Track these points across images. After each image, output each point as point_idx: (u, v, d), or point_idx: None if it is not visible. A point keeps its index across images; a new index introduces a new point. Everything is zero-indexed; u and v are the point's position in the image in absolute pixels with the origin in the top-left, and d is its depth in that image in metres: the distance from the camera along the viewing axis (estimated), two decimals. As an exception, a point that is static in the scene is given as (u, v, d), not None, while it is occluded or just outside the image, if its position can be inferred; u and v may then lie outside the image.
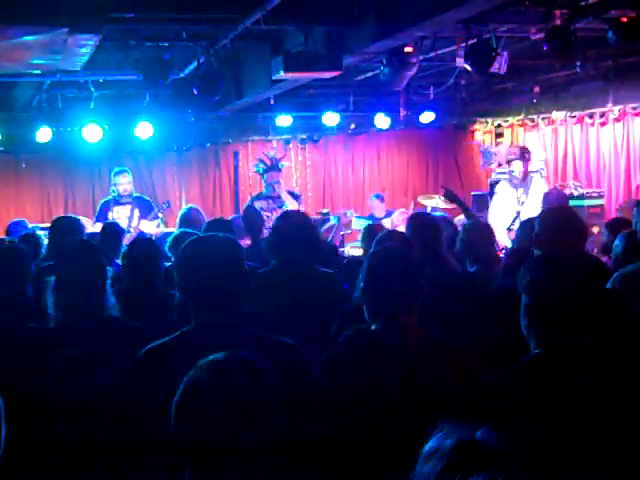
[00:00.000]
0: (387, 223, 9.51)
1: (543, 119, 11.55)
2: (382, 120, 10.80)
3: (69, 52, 6.06)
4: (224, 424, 1.59)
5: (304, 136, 12.02)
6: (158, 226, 8.57)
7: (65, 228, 5.44)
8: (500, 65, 6.39)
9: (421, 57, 6.79)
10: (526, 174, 8.44)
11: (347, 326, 3.02)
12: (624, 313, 3.28)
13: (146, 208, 8.68)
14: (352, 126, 11.93)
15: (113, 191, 8.83)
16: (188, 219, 6.19)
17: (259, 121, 11.17)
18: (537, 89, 10.34)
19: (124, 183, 8.70)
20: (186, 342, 2.42)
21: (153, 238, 6.97)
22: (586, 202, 9.63)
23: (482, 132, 12.48)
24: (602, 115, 10.99)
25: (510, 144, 11.62)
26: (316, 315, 3.67)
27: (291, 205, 8.53)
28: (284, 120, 10.57)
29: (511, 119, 11.99)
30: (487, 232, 5.05)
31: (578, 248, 3.89)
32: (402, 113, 10.60)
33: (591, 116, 11.14)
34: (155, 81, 7.42)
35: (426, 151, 12.71)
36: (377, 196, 10.50)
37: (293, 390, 1.71)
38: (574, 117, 11.32)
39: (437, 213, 8.67)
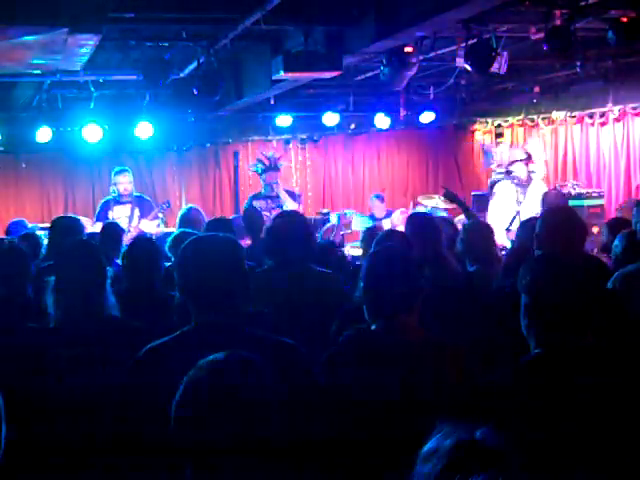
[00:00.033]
0: (387, 223, 9.52)
1: (543, 119, 11.55)
2: (382, 120, 10.80)
3: (69, 52, 6.06)
4: (224, 424, 1.59)
5: (304, 136, 12.02)
6: (158, 226, 8.57)
7: (65, 228, 5.44)
8: (500, 65, 6.38)
9: (421, 57, 6.79)
10: (529, 177, 8.47)
11: (347, 326, 3.02)
12: (624, 313, 3.28)
13: (146, 208, 8.68)
14: (352, 126, 11.93)
15: (113, 191, 8.82)
16: (188, 219, 6.19)
17: (259, 121, 11.17)
18: (537, 89, 10.34)
19: (125, 182, 8.70)
20: (186, 342, 2.42)
21: (153, 238, 6.97)
22: (586, 202, 9.63)
23: (482, 132, 12.47)
24: (602, 115, 10.99)
25: (510, 144, 11.62)
26: (312, 315, 3.67)
27: (290, 205, 8.53)
28: (284, 120, 10.57)
29: (511, 119, 11.99)
30: (487, 232, 5.05)
31: (578, 248, 3.89)
32: (402, 113, 10.60)
33: (591, 116, 11.14)
34: (155, 81, 7.43)
35: (426, 151, 12.71)
36: (377, 196, 10.50)
37: (293, 390, 1.71)
38: (574, 117, 11.32)
39: (438, 213, 8.68)
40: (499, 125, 12.17)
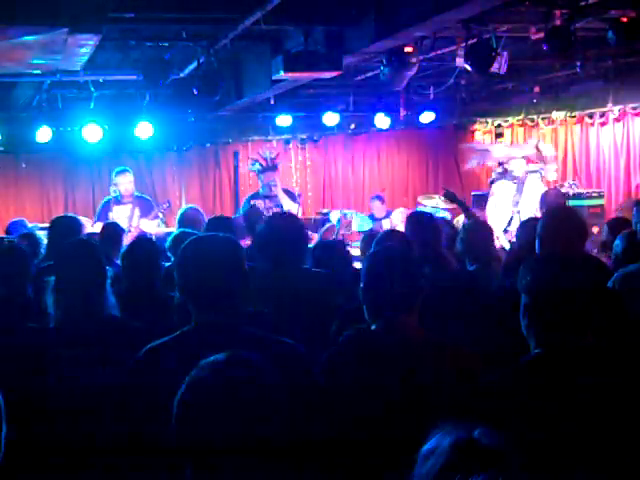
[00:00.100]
0: (387, 223, 9.52)
1: (543, 119, 11.56)
2: (382, 120, 10.80)
3: (69, 52, 6.06)
4: (225, 424, 1.59)
5: (304, 136, 12.02)
6: (158, 226, 8.57)
7: (64, 228, 5.43)
8: (500, 65, 6.38)
9: (421, 57, 6.79)
10: (525, 175, 8.48)
11: (347, 326, 3.02)
12: (624, 313, 3.28)
13: (146, 208, 8.68)
14: (352, 126, 11.93)
15: (114, 191, 8.82)
16: (187, 219, 6.18)
17: (259, 121, 11.17)
18: (537, 89, 10.34)
19: (125, 183, 8.69)
20: (186, 342, 2.42)
21: (153, 238, 6.97)
22: (586, 202, 9.64)
23: (482, 132, 12.48)
24: (602, 115, 11.00)
25: (510, 143, 11.63)
26: (305, 315, 3.66)
27: (288, 205, 8.53)
28: (284, 120, 10.57)
29: (511, 119, 12.00)
30: (487, 232, 5.05)
31: (578, 248, 3.89)
32: (402, 113, 10.60)
33: (591, 116, 11.15)
34: (155, 81, 7.43)
35: (426, 151, 12.71)
36: (378, 197, 10.50)
37: (293, 390, 1.71)
38: (574, 117, 11.33)
39: (438, 213, 8.68)
40: (499, 125, 12.17)
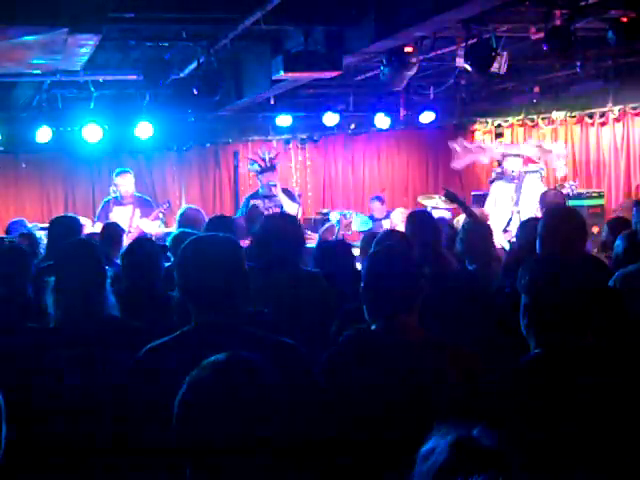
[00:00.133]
0: (387, 224, 9.52)
1: (543, 119, 11.55)
2: (382, 120, 10.80)
3: (69, 52, 6.06)
4: (225, 424, 1.59)
5: (304, 136, 12.02)
6: (159, 226, 8.56)
7: (63, 228, 5.42)
8: (500, 65, 6.38)
9: (421, 57, 6.79)
10: (521, 173, 8.49)
11: (347, 326, 3.02)
12: (624, 313, 3.28)
13: (147, 208, 8.67)
14: (352, 126, 11.93)
15: (114, 191, 8.81)
16: (187, 219, 6.18)
17: (259, 121, 11.17)
18: (537, 89, 10.34)
19: (126, 184, 8.68)
20: (186, 342, 2.42)
21: (153, 239, 6.97)
22: (586, 202, 9.64)
23: (482, 132, 12.47)
24: (602, 115, 11.00)
25: (510, 143, 11.63)
26: (304, 315, 3.65)
27: (288, 205, 8.53)
28: (284, 120, 10.58)
29: (511, 119, 11.99)
30: (486, 232, 5.05)
31: (578, 248, 3.90)
32: (402, 113, 10.60)
33: (591, 116, 11.14)
34: (155, 81, 7.43)
35: (426, 151, 12.71)
36: (377, 198, 10.50)
37: (293, 390, 1.71)
38: (574, 117, 11.33)
39: (438, 213, 8.68)
40: (499, 125, 12.17)
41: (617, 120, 10.88)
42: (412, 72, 6.73)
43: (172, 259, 4.73)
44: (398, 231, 5.25)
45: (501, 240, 7.64)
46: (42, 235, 6.24)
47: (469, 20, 5.94)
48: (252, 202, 8.55)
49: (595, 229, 8.18)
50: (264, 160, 9.04)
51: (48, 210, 10.88)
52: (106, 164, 10.76)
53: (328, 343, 3.18)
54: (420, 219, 4.90)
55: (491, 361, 2.74)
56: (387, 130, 11.43)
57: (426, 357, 2.68)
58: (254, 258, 4.13)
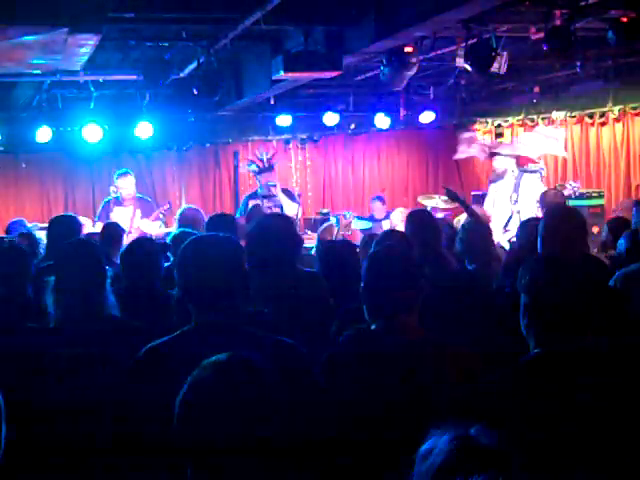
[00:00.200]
0: (387, 224, 9.52)
1: (543, 119, 11.55)
2: (382, 120, 10.80)
3: (69, 52, 6.06)
4: (226, 424, 1.59)
5: (304, 136, 12.02)
6: (159, 227, 8.56)
7: (63, 227, 5.42)
8: (500, 65, 6.38)
9: (421, 57, 6.79)
10: (505, 171, 8.52)
11: (347, 326, 3.02)
12: (625, 313, 3.28)
13: (147, 209, 8.67)
14: (352, 126, 11.93)
15: (114, 192, 8.81)
16: (187, 219, 6.18)
17: (259, 121, 11.17)
18: (537, 89, 10.34)
19: (127, 186, 8.67)
20: (186, 342, 2.42)
21: (154, 239, 6.96)
22: (586, 202, 9.64)
23: (482, 132, 12.47)
24: (602, 115, 11.00)
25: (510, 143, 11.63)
26: (304, 315, 3.64)
27: (288, 205, 8.53)
28: (284, 120, 10.57)
29: (511, 119, 11.99)
30: (486, 231, 5.05)
31: (579, 247, 3.89)
32: (402, 113, 10.60)
33: (591, 116, 11.15)
34: (155, 81, 7.44)
35: (426, 151, 12.71)
36: (378, 198, 10.51)
37: (293, 390, 1.71)
38: (574, 117, 11.33)
39: (438, 213, 8.68)
40: (499, 125, 12.17)
41: (617, 120, 10.88)
42: (412, 72, 6.73)
43: (172, 259, 4.74)
44: (398, 231, 5.26)
45: (501, 240, 7.64)
46: (42, 235, 6.23)
47: (469, 20, 5.94)
48: (251, 202, 8.56)
49: (595, 229, 8.18)
50: (262, 160, 9.04)
51: (48, 210, 10.88)
52: (106, 164, 10.76)
53: (328, 343, 3.18)
54: (420, 219, 4.89)
55: (491, 361, 2.74)
56: (387, 130, 11.43)
57: (426, 357, 2.68)
58: (247, 257, 4.11)
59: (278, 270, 3.88)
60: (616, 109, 10.76)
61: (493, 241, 5.21)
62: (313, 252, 7.11)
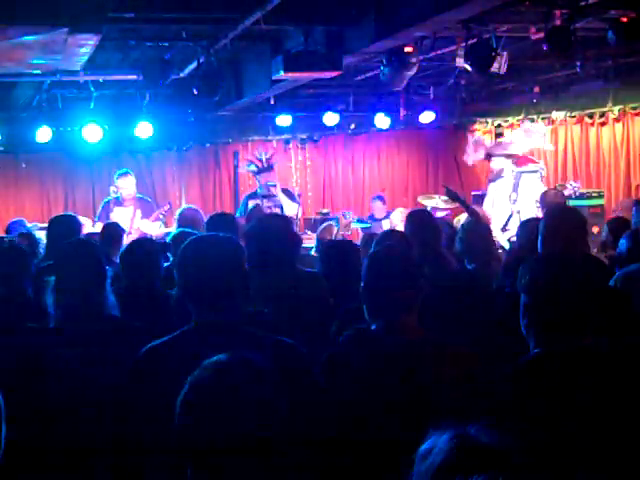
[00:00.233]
0: (386, 224, 9.52)
1: (543, 119, 11.55)
2: (382, 120, 10.80)
3: (69, 52, 6.06)
4: (227, 424, 1.59)
5: (304, 136, 12.02)
6: (159, 228, 8.56)
7: (62, 227, 5.41)
8: (500, 65, 6.38)
9: (421, 57, 6.79)
10: (501, 171, 8.53)
11: (347, 326, 3.02)
12: (626, 312, 3.28)
13: (148, 209, 8.67)
14: (352, 126, 11.93)
15: (114, 192, 8.81)
16: (185, 219, 6.18)
17: (259, 121, 11.17)
18: (537, 89, 10.34)
19: (127, 186, 8.68)
20: (186, 342, 2.42)
21: (154, 239, 6.96)
22: (586, 202, 9.64)
23: (482, 132, 12.47)
24: (602, 115, 11.00)
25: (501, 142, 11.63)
26: (303, 315, 3.64)
27: (288, 205, 8.53)
28: (284, 120, 10.57)
29: (511, 119, 11.99)
30: (486, 231, 5.04)
31: (580, 247, 3.89)
32: (402, 113, 10.60)
33: (591, 116, 11.15)
34: (155, 81, 7.44)
35: (426, 151, 12.71)
36: (379, 197, 10.52)
37: (293, 390, 1.71)
38: (574, 117, 11.33)
39: (438, 213, 8.68)
40: (499, 125, 12.17)
41: (617, 120, 10.88)
42: (412, 72, 6.73)
43: (171, 259, 4.73)
44: (398, 231, 5.25)
45: (500, 239, 7.64)
46: (42, 235, 6.23)
47: (469, 20, 5.94)
48: (250, 202, 8.56)
49: (595, 229, 8.18)
50: (261, 160, 9.04)
51: (48, 210, 10.87)
52: (106, 164, 10.77)
53: (328, 343, 3.18)
54: (420, 219, 4.89)
55: (491, 361, 2.74)
56: (387, 130, 11.43)
57: (426, 357, 2.68)
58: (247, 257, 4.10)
59: (277, 270, 3.88)
60: (616, 109, 10.77)
61: (494, 241, 5.21)
62: (313, 252, 7.12)
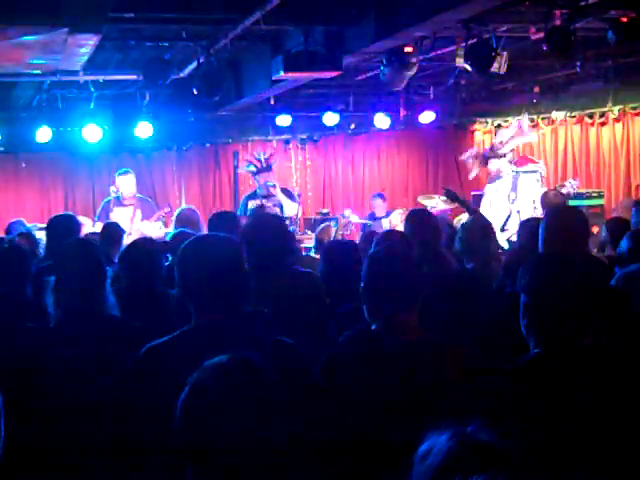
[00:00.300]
0: (386, 223, 9.53)
1: (543, 119, 11.56)
2: (382, 120, 10.80)
3: (69, 52, 6.06)
4: (227, 425, 1.59)
5: (304, 136, 12.02)
6: (160, 228, 8.56)
7: (62, 227, 5.40)
8: (500, 65, 6.38)
9: (421, 57, 6.79)
10: (498, 172, 8.55)
11: (347, 326, 3.02)
12: (627, 312, 3.28)
13: (148, 210, 8.67)
14: (352, 126, 11.93)
15: (114, 191, 8.81)
16: (183, 219, 6.18)
17: (259, 121, 11.18)
18: (537, 89, 10.35)
19: (127, 185, 8.68)
20: (186, 342, 2.42)
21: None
22: (586, 202, 9.64)
23: (482, 132, 12.47)
24: (602, 115, 11.01)
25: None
26: (302, 315, 3.63)
27: (287, 205, 8.53)
28: (284, 120, 10.58)
29: (511, 119, 11.98)
30: (486, 230, 5.02)
31: (580, 247, 3.89)
32: (402, 113, 10.60)
33: (591, 116, 11.15)
34: (155, 81, 7.43)
35: (426, 151, 12.70)
36: (379, 195, 10.53)
37: (293, 390, 1.71)
38: (574, 117, 11.33)
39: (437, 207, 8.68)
40: (499, 125, 12.16)
41: (617, 120, 10.89)
42: (412, 72, 6.72)
43: (170, 259, 4.73)
44: (398, 231, 5.25)
45: (499, 239, 7.64)
46: (42, 235, 6.23)
47: (469, 20, 5.94)
48: (250, 202, 8.56)
49: (595, 229, 8.17)
50: (260, 160, 9.04)
51: (48, 210, 10.86)
52: (106, 164, 10.77)
53: (328, 343, 3.18)
54: (420, 218, 4.88)
55: (491, 361, 2.74)
56: (387, 130, 11.43)
57: (426, 357, 2.68)
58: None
59: (270, 269, 3.86)
60: (616, 109, 10.77)
61: (495, 240, 5.20)
62: (312, 253, 7.12)
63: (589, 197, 9.87)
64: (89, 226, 7.84)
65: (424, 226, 4.69)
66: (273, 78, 6.99)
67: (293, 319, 3.46)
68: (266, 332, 2.55)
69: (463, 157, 10.29)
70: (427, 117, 10.69)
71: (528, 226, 4.55)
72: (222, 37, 6.59)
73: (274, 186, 8.70)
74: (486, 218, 5.55)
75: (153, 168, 11.53)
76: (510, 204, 8.67)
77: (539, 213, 7.34)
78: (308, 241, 8.52)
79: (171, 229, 7.16)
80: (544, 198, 7.34)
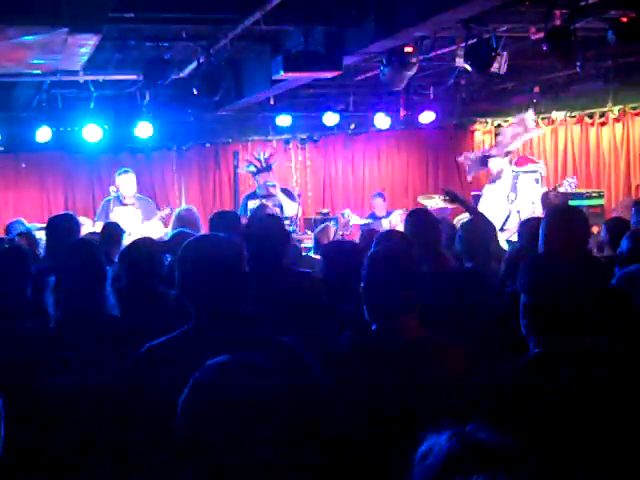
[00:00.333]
0: (386, 223, 9.53)
1: (543, 119, 11.55)
2: (382, 120, 10.80)
3: (69, 52, 6.06)
4: (228, 425, 1.59)
5: (304, 136, 12.02)
6: (160, 230, 8.56)
7: (61, 227, 5.39)
8: (500, 65, 6.38)
9: (421, 57, 6.79)
10: (500, 172, 8.53)
11: (347, 326, 3.02)
12: (627, 312, 3.28)
13: (148, 210, 8.67)
14: (352, 126, 11.93)
15: (114, 191, 8.82)
16: (181, 220, 6.18)
17: (259, 121, 11.17)
18: (537, 89, 10.34)
19: (127, 184, 8.68)
20: (186, 342, 2.42)
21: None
22: (586, 202, 9.64)
23: (482, 132, 12.47)
24: (602, 115, 11.00)
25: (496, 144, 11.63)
26: (297, 314, 3.63)
27: (287, 205, 8.53)
28: (284, 120, 10.57)
29: (511, 119, 11.98)
30: (486, 230, 5.02)
31: (580, 247, 3.89)
32: (402, 113, 10.60)
33: (591, 116, 11.15)
34: (155, 81, 7.42)
35: (426, 151, 12.70)
36: (379, 194, 10.53)
37: (293, 390, 1.71)
38: (574, 117, 11.33)
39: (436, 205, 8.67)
40: (499, 125, 12.16)
41: (617, 120, 10.89)
42: (412, 72, 6.72)
43: (169, 259, 4.73)
44: (398, 231, 5.25)
45: (499, 239, 7.65)
46: (42, 235, 6.22)
47: (469, 20, 5.94)
48: (250, 202, 8.56)
49: (595, 229, 8.17)
50: (259, 160, 9.04)
51: (48, 210, 10.86)
52: (106, 164, 10.77)
53: (328, 343, 3.18)
54: (420, 218, 4.88)
55: (491, 361, 2.74)
56: (387, 130, 11.43)
57: (426, 357, 2.68)
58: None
59: (269, 269, 3.87)
60: (616, 109, 10.77)
61: (497, 240, 5.19)
62: (312, 253, 7.12)
63: (589, 197, 9.87)
64: (89, 226, 7.85)
65: (424, 226, 4.69)
66: (273, 78, 6.99)
67: (293, 319, 3.47)
68: (266, 332, 2.55)
69: (460, 159, 10.30)
70: (427, 117, 10.69)
71: (528, 226, 4.55)
72: (222, 37, 6.59)
73: (274, 186, 8.70)
74: (487, 218, 5.55)
75: (153, 168, 11.53)
76: (509, 204, 8.67)
77: (539, 213, 7.33)
78: (308, 241, 8.52)
79: (170, 229, 7.16)
80: (544, 198, 7.34)
